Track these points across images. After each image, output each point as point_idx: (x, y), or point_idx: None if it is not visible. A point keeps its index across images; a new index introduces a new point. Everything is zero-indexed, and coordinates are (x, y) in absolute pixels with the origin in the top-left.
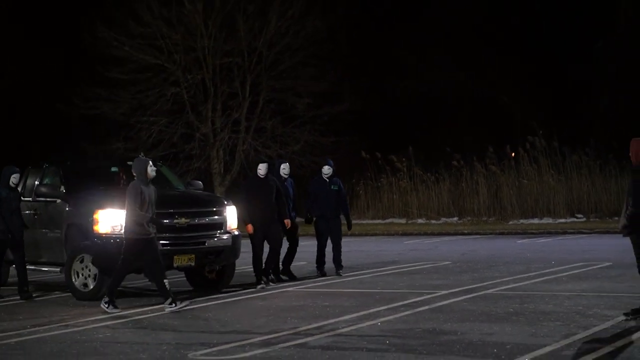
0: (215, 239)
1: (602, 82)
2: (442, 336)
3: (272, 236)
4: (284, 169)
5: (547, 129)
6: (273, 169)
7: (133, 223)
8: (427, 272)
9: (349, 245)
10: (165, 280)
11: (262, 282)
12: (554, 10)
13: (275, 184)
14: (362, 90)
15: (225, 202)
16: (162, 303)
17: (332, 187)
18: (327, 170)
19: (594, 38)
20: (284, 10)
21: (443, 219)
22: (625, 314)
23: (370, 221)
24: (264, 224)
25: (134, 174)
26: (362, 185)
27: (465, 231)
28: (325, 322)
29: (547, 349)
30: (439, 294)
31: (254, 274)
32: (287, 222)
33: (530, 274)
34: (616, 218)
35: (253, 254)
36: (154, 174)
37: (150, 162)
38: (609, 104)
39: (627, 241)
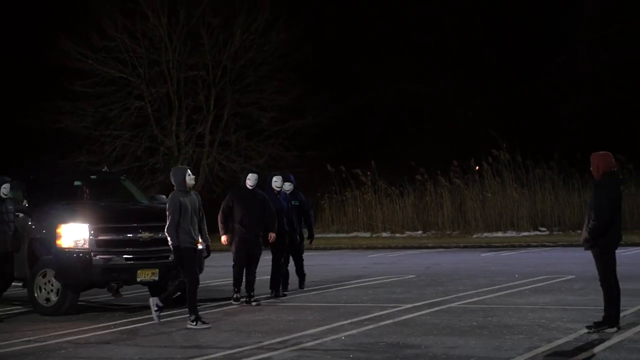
0: None
1: (564, 96)
2: (406, 350)
3: (255, 251)
4: (276, 181)
5: (511, 142)
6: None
7: (181, 233)
8: (391, 285)
9: (313, 259)
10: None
11: (236, 295)
12: (517, 24)
13: (264, 197)
14: (326, 104)
15: None
16: (190, 321)
17: (293, 202)
18: (288, 186)
19: (556, 52)
20: (248, 24)
21: (407, 233)
22: (587, 327)
23: (335, 235)
24: (249, 239)
25: (173, 184)
26: (326, 199)
27: (430, 245)
28: (289, 337)
29: None
30: (402, 307)
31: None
32: (272, 235)
33: (494, 287)
34: (579, 231)
35: (234, 268)
36: (192, 182)
37: (189, 171)
38: (572, 117)
39: (589, 254)
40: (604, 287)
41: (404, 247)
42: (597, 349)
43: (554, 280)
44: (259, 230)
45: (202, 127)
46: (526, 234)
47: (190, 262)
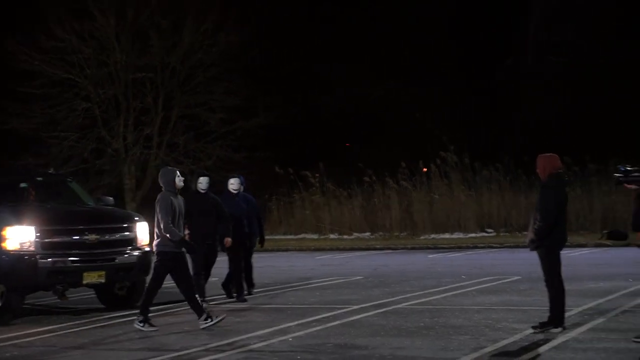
0: (126, 256)
1: (512, 100)
2: (353, 351)
3: (212, 258)
4: (232, 184)
5: (459, 145)
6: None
7: (165, 236)
8: (338, 287)
9: (260, 261)
10: (196, 296)
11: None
12: (467, 29)
13: (217, 200)
14: (275, 106)
15: (136, 218)
16: (138, 321)
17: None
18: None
19: (505, 56)
20: (197, 26)
21: (355, 234)
22: (533, 327)
23: (283, 237)
24: (205, 246)
25: (161, 185)
26: (274, 200)
27: (377, 246)
28: (236, 338)
29: None
30: (350, 308)
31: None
32: (227, 240)
33: (440, 288)
34: (525, 232)
35: (194, 276)
36: (182, 184)
37: (178, 172)
38: (519, 120)
39: (535, 255)
40: (549, 288)
41: (352, 249)
42: (542, 349)
43: (500, 281)
44: (215, 236)
45: (150, 129)
46: (473, 235)
47: (181, 265)
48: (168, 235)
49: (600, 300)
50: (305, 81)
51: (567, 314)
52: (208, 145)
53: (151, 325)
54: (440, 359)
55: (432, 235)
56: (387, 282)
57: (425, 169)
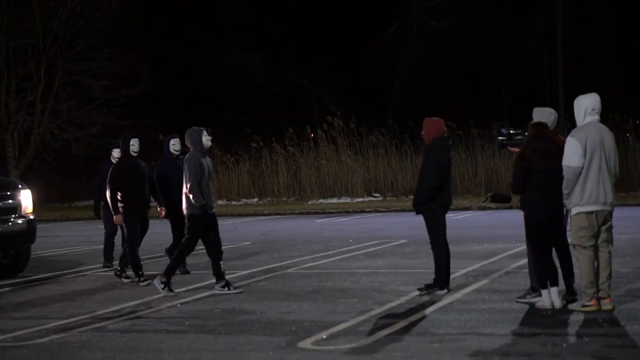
0: (10, 224)
1: (396, 65)
2: (242, 316)
3: (145, 228)
4: (174, 144)
5: (345, 110)
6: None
7: (197, 197)
8: (226, 253)
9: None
10: (221, 262)
11: (143, 279)
12: None
13: (147, 167)
14: (160, 73)
15: (20, 186)
16: (160, 282)
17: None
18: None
19: (388, 22)
20: None
21: (243, 200)
22: (419, 289)
23: None
24: (140, 212)
25: (188, 145)
26: None
27: (266, 212)
28: (123, 305)
29: (344, 325)
30: (238, 274)
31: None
32: (162, 210)
33: (328, 252)
34: (411, 196)
35: (130, 250)
36: (209, 143)
37: (205, 132)
38: (404, 85)
39: (421, 219)
40: (434, 250)
41: (240, 215)
42: (428, 311)
43: (387, 245)
44: (148, 205)
45: (33, 96)
46: (360, 200)
47: (212, 228)
48: (191, 196)
49: (484, 262)
50: (191, 47)
51: (452, 276)
52: (92, 113)
53: (171, 290)
54: (328, 322)
55: (320, 200)
56: (275, 248)
57: (312, 135)
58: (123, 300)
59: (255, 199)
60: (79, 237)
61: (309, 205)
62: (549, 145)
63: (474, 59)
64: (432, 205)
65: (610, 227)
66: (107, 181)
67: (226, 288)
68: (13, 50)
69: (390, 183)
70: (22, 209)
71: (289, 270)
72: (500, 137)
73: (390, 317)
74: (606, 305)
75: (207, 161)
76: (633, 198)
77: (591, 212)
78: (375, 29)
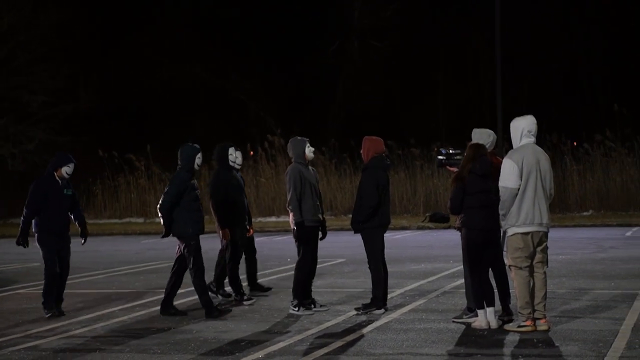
0: None
1: (337, 83)
2: (177, 335)
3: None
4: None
5: (286, 128)
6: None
7: (304, 208)
8: (163, 271)
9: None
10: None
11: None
12: (295, 11)
13: (242, 178)
14: (99, 88)
15: None
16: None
17: (65, 191)
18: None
19: (329, 39)
20: (16, 5)
21: None
22: (356, 309)
23: (107, 220)
24: (243, 227)
25: (291, 157)
26: (99, 185)
27: (207, 230)
28: (57, 325)
29: (281, 344)
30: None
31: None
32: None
33: (266, 271)
34: (350, 215)
35: (231, 264)
36: (312, 155)
37: (308, 143)
38: (344, 103)
39: (359, 238)
40: (372, 270)
41: None
42: (365, 330)
43: (325, 264)
44: (250, 218)
45: None
46: None
47: (313, 241)
48: (289, 209)
49: (422, 282)
50: (129, 62)
51: (389, 296)
52: (30, 128)
53: (307, 308)
54: (264, 341)
55: (259, 219)
56: (212, 267)
57: (251, 152)
58: (56, 319)
59: None
60: (13, 255)
61: None
62: (486, 166)
63: (415, 78)
64: (371, 224)
65: (546, 248)
66: (210, 195)
67: (297, 308)
68: None
69: (329, 202)
70: None
71: (227, 289)
72: (439, 157)
73: (327, 337)
74: (542, 325)
75: (310, 173)
76: (569, 219)
77: (527, 233)
78: (316, 46)
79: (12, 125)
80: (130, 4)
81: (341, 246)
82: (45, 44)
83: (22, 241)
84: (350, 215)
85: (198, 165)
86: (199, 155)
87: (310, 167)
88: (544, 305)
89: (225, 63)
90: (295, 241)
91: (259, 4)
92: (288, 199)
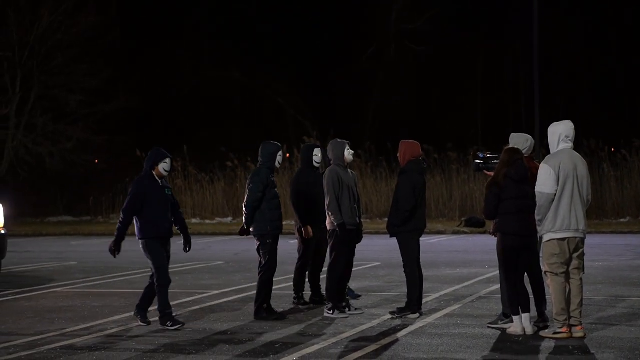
0: None
1: (374, 86)
2: (212, 336)
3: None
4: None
5: (322, 130)
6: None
7: (335, 215)
8: (199, 272)
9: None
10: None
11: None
12: (331, 15)
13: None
14: (136, 89)
15: None
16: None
17: (167, 191)
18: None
19: (366, 42)
20: (57, 5)
21: (217, 219)
22: (391, 313)
23: None
24: (319, 229)
25: (330, 159)
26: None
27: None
28: (93, 323)
29: (315, 347)
30: (210, 293)
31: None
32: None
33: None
34: (385, 219)
35: (300, 265)
36: (351, 157)
37: (348, 145)
38: (381, 106)
39: (395, 242)
40: (407, 274)
41: (214, 234)
42: (399, 334)
43: (360, 267)
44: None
45: (8, 109)
46: None
47: (349, 244)
48: (329, 213)
49: (457, 287)
50: (168, 65)
51: (424, 300)
52: (68, 127)
53: (342, 311)
54: (300, 344)
55: (292, 222)
56: (247, 267)
57: (287, 155)
58: (93, 318)
59: (229, 218)
60: (50, 253)
61: (284, 226)
62: (521, 171)
63: (452, 82)
64: (407, 228)
65: (582, 254)
66: (292, 194)
67: (332, 312)
68: None
69: (365, 205)
70: None
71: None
72: (476, 161)
73: (361, 340)
74: (577, 332)
75: (348, 175)
76: (606, 225)
77: (563, 239)
78: (353, 50)
79: (50, 124)
80: (174, 10)
81: (377, 250)
82: (84, 44)
83: (115, 248)
84: (386, 219)
85: (279, 163)
86: (280, 152)
87: (349, 170)
88: (580, 312)
89: (261, 66)
90: (329, 244)
91: (297, 9)
92: (327, 202)
